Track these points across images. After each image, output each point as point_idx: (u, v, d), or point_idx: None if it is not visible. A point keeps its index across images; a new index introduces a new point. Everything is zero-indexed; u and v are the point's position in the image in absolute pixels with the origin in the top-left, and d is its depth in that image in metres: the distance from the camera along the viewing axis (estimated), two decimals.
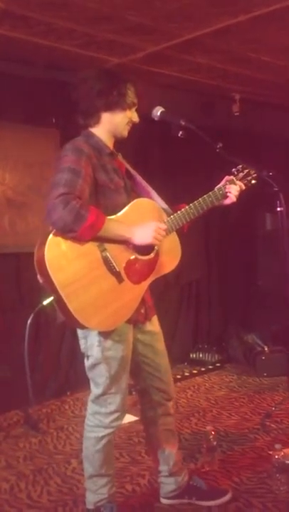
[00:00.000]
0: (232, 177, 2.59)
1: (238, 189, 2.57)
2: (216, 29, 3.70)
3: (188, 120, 2.49)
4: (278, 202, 2.38)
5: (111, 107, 2.46)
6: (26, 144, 4.48)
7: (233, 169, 2.65)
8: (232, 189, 2.56)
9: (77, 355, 4.73)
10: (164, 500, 2.76)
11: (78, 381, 4.72)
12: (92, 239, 2.28)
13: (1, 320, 4.36)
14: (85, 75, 2.54)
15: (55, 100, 4.64)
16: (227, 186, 2.57)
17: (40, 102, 4.55)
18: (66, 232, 2.22)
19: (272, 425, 3.66)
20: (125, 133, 2.53)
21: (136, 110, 2.53)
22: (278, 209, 2.40)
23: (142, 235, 2.37)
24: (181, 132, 2.47)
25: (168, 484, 2.74)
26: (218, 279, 5.97)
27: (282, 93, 5.26)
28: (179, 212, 2.50)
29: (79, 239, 2.24)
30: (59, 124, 4.66)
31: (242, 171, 2.63)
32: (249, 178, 2.63)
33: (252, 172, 2.62)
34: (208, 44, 3.99)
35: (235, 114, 5.19)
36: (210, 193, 2.57)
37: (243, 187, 2.59)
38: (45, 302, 2.26)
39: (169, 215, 2.52)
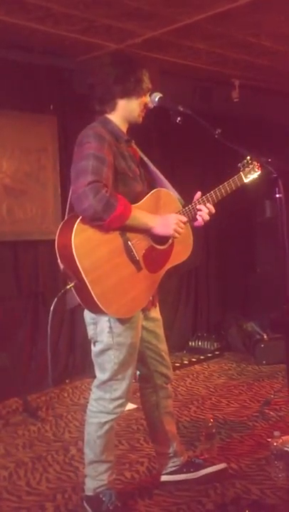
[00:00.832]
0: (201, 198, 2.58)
1: (208, 212, 2.56)
2: (216, 13, 3.66)
3: (187, 106, 2.47)
4: (277, 188, 2.36)
5: (128, 93, 2.45)
6: (24, 131, 4.45)
7: (239, 164, 2.67)
8: (203, 212, 2.55)
9: (76, 344, 4.76)
10: (164, 477, 2.80)
11: (77, 369, 4.74)
12: (118, 228, 2.30)
13: None
14: (101, 61, 2.56)
15: (52, 86, 4.60)
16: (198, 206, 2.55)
17: (37, 89, 4.51)
18: (95, 220, 2.24)
19: (271, 413, 3.67)
20: (140, 119, 2.52)
21: (150, 95, 2.53)
22: (277, 195, 2.38)
23: (164, 226, 2.42)
24: (179, 118, 2.46)
25: (172, 463, 2.79)
26: (217, 266, 5.97)
27: (282, 79, 5.22)
28: (193, 203, 2.54)
29: (106, 227, 2.27)
30: (57, 111, 4.62)
31: (247, 166, 2.66)
32: (253, 173, 2.67)
33: (256, 167, 2.64)
34: (207, 29, 3.95)
35: (235, 100, 5.14)
36: (232, 178, 2.61)
37: (213, 211, 2.57)
38: (69, 286, 2.28)
39: (182, 205, 2.56)
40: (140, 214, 2.39)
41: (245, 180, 2.67)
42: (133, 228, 2.37)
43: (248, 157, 2.64)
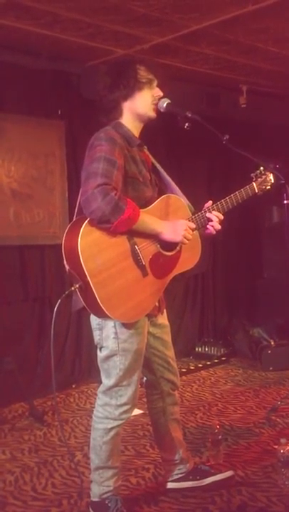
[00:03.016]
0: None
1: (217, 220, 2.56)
2: (224, 19, 3.66)
3: (194, 112, 2.47)
4: (285, 194, 2.35)
5: (128, 93, 2.46)
6: (31, 136, 4.46)
7: (252, 174, 2.67)
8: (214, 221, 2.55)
9: (82, 348, 4.75)
10: (170, 484, 2.79)
11: (83, 374, 4.73)
12: (125, 232, 2.29)
13: (6, 312, 4.36)
14: (99, 74, 2.55)
15: (60, 92, 4.62)
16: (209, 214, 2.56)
17: (45, 94, 4.53)
18: (102, 222, 2.24)
19: (278, 419, 3.65)
20: (151, 113, 2.51)
21: (158, 86, 2.50)
22: (285, 201, 2.37)
23: (173, 232, 2.40)
24: (187, 124, 2.46)
25: (178, 470, 2.77)
26: (223, 272, 5.95)
27: None
28: (203, 211, 2.55)
29: (113, 230, 2.26)
30: (64, 116, 4.64)
31: (260, 176, 2.66)
32: (266, 184, 2.66)
33: (269, 178, 2.64)
34: (215, 35, 3.95)
35: (242, 105, 5.14)
36: (244, 188, 2.61)
37: (222, 218, 2.58)
38: (73, 288, 2.27)
39: (192, 213, 2.56)
40: (149, 219, 2.38)
41: (257, 191, 2.66)
42: (141, 233, 2.36)
43: (261, 168, 2.64)
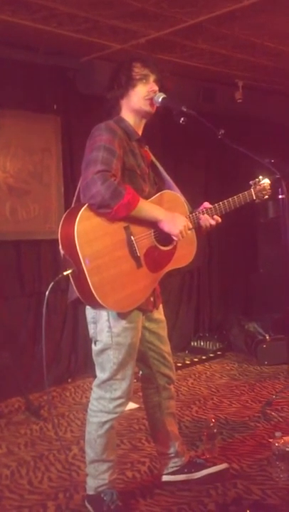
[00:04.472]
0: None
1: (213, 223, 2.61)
2: (220, 14, 3.65)
3: (190, 107, 2.47)
4: (280, 189, 2.36)
5: (123, 93, 2.50)
6: (27, 131, 4.45)
7: (251, 182, 2.70)
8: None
9: (78, 343, 4.76)
10: (165, 477, 2.81)
11: (79, 368, 4.74)
12: (125, 217, 2.30)
13: (2, 307, 4.36)
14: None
15: (56, 86, 4.61)
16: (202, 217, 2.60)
17: (41, 89, 4.52)
18: (102, 207, 2.25)
19: (273, 413, 3.67)
20: (147, 108, 2.52)
21: (155, 81, 2.51)
22: (280, 196, 2.38)
23: (172, 223, 2.42)
24: (182, 119, 2.46)
25: (173, 463, 2.79)
26: (219, 267, 5.97)
27: (285, 80, 5.21)
28: (200, 211, 2.59)
29: (113, 216, 2.27)
30: (60, 111, 4.63)
31: (259, 184, 2.70)
32: (264, 192, 2.71)
33: (268, 187, 2.68)
34: (211, 30, 3.95)
35: (238, 100, 5.14)
36: (242, 194, 2.66)
37: (219, 221, 2.63)
38: (66, 272, 2.26)
39: (190, 211, 2.59)
40: (149, 206, 2.40)
41: (255, 198, 2.70)
42: (140, 221, 2.37)
43: (260, 176, 2.68)
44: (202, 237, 2.65)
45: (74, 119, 4.67)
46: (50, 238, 4.38)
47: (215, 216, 2.60)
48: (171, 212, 2.45)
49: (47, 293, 2.32)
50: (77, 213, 2.26)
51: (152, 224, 2.43)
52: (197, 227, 2.58)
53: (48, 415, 3.87)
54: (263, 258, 5.66)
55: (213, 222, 2.59)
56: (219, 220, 2.62)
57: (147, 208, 2.39)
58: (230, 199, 2.62)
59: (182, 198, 2.63)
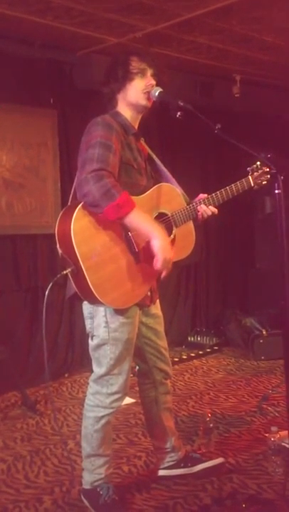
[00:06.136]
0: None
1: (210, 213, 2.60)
2: (217, 8, 3.64)
3: (187, 101, 2.46)
4: (276, 184, 2.35)
5: (119, 87, 2.49)
6: (24, 125, 4.43)
7: (248, 168, 2.68)
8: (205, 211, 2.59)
9: (75, 338, 4.76)
10: (161, 472, 2.81)
11: (76, 363, 4.74)
12: (116, 220, 2.27)
13: None
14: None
15: (53, 80, 4.59)
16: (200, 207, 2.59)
17: (37, 82, 4.50)
18: (93, 206, 2.24)
19: (269, 408, 3.67)
20: (143, 102, 2.50)
21: (152, 75, 2.50)
22: (276, 191, 2.37)
23: (165, 248, 2.31)
24: (179, 113, 2.44)
25: (169, 458, 2.79)
26: (216, 262, 5.97)
27: (283, 74, 5.20)
28: (196, 202, 2.57)
29: (103, 217, 2.25)
30: (57, 105, 4.61)
31: (257, 171, 2.68)
32: (263, 178, 2.69)
33: (266, 173, 2.66)
34: (208, 23, 3.93)
35: (236, 95, 5.13)
36: (239, 181, 2.65)
37: (216, 212, 2.62)
38: (65, 271, 2.26)
39: (187, 203, 2.58)
40: (143, 219, 2.30)
41: (253, 185, 2.68)
42: (132, 228, 2.32)
43: (258, 162, 2.65)
44: (199, 228, 2.63)
45: (70, 113, 4.65)
46: (46, 232, 4.37)
47: (210, 207, 2.59)
48: (167, 239, 2.38)
49: (47, 292, 2.31)
50: (73, 212, 2.25)
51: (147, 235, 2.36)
52: (194, 218, 2.57)
53: (44, 410, 3.87)
54: (260, 253, 5.66)
55: (209, 213, 2.59)
56: (216, 210, 2.60)
57: (141, 220, 2.29)
58: (227, 187, 2.61)
59: (179, 190, 2.63)
